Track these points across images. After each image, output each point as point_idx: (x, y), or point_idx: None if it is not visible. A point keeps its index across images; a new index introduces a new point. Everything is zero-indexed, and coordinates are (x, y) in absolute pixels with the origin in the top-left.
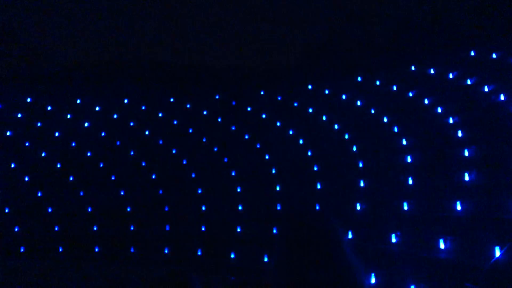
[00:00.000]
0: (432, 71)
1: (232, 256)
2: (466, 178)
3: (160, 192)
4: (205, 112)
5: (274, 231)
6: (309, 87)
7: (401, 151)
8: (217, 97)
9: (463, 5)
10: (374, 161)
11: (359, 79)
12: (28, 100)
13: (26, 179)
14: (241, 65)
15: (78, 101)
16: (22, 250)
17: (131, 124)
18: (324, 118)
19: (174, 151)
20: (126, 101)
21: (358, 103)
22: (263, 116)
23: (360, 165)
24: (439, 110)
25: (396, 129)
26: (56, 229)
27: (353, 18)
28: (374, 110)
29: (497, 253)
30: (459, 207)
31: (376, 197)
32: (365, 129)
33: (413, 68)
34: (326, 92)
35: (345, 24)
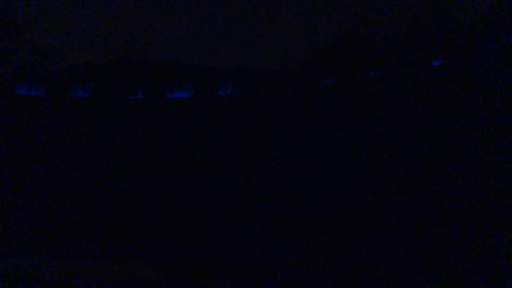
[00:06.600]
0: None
1: (240, 252)
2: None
3: (167, 189)
4: (209, 111)
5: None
6: (314, 86)
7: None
8: (221, 94)
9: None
10: (376, 159)
11: (364, 78)
12: (35, 95)
13: (34, 174)
14: (246, 66)
15: (84, 98)
16: (29, 248)
17: (137, 121)
18: (329, 117)
19: (180, 149)
20: (131, 98)
21: (363, 102)
22: (268, 114)
23: (363, 162)
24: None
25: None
26: (63, 227)
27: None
28: (379, 110)
29: None
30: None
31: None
32: (371, 128)
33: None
34: (331, 90)
35: (351, 25)
